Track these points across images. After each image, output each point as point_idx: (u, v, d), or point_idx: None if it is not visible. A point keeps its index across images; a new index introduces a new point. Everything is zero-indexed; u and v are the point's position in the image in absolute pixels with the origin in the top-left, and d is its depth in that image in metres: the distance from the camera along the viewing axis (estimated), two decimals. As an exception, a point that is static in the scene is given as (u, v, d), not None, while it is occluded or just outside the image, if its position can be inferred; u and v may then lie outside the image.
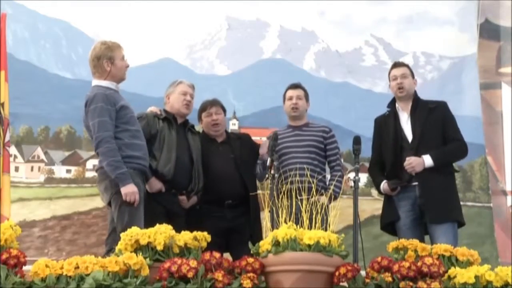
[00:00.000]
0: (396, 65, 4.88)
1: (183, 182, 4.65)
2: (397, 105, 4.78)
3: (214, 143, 4.93)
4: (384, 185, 4.68)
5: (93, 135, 4.16)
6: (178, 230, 3.23)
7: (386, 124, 4.77)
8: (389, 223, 4.70)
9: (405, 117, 4.72)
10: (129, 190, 4.04)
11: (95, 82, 4.31)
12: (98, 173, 4.24)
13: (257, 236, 4.51)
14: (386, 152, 4.73)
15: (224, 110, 5.02)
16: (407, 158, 4.55)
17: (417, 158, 4.53)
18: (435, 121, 4.64)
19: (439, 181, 4.53)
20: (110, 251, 3.88)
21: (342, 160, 4.97)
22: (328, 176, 4.87)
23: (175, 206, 4.62)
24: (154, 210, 4.34)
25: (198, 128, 5.06)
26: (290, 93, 4.96)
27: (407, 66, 4.88)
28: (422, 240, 4.40)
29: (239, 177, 4.79)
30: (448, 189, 4.60)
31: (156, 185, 4.53)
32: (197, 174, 4.72)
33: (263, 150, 4.78)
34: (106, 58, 4.26)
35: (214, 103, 4.98)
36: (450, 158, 4.69)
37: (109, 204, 4.19)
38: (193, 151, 4.75)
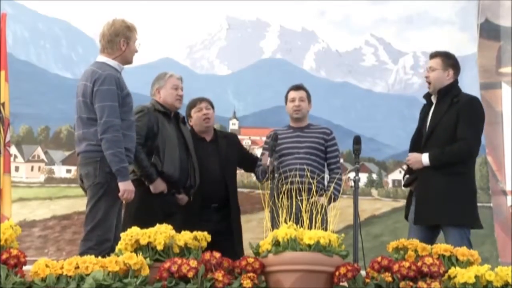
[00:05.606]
0: (430, 56, 4.64)
1: (183, 179, 4.59)
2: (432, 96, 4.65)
3: (203, 142, 4.92)
4: (404, 179, 4.67)
5: (101, 117, 3.90)
6: (176, 229, 3.21)
7: (420, 115, 4.68)
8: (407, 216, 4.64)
9: (433, 109, 4.60)
10: (129, 188, 3.92)
11: (103, 58, 4.10)
12: (82, 156, 4.00)
13: (238, 237, 4.70)
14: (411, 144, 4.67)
15: (213, 107, 5.00)
16: (409, 154, 4.52)
17: (417, 155, 4.45)
18: (450, 117, 4.44)
19: (435, 182, 4.37)
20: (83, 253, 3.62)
21: (342, 161, 4.96)
22: (327, 176, 4.86)
23: (172, 206, 4.54)
24: (151, 211, 4.33)
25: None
26: (293, 94, 4.90)
27: (440, 56, 4.58)
28: (431, 237, 4.33)
29: (222, 179, 4.81)
30: (445, 191, 4.34)
31: (160, 186, 4.48)
32: (194, 168, 4.67)
33: (264, 162, 4.71)
34: (124, 37, 4.10)
35: (204, 99, 4.99)
36: (449, 159, 4.39)
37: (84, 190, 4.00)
38: (189, 145, 4.68)
